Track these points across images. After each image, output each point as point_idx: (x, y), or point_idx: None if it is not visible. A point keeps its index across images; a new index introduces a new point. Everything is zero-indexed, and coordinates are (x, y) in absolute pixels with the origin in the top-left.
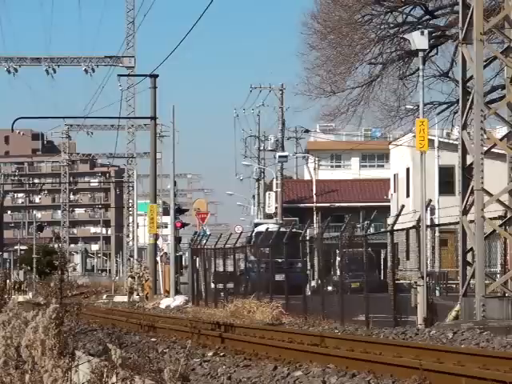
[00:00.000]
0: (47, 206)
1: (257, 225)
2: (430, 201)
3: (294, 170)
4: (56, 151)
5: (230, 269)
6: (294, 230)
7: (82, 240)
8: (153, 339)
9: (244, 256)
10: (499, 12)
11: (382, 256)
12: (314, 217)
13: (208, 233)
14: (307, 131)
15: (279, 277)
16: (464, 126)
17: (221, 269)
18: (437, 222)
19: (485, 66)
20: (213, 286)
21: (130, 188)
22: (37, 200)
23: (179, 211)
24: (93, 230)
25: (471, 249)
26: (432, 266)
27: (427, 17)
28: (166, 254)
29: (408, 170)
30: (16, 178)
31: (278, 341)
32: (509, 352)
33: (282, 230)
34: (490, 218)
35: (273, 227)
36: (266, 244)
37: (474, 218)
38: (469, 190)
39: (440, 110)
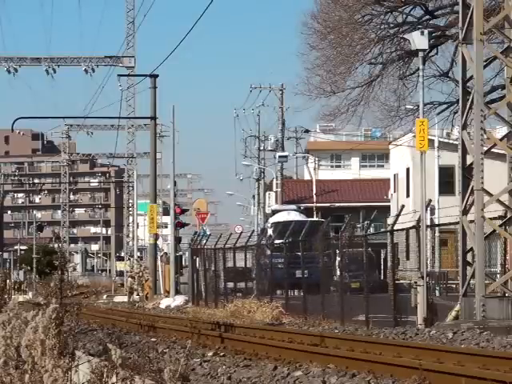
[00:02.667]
0: (47, 206)
1: (274, 212)
2: (430, 201)
3: (294, 169)
4: (56, 151)
5: (240, 266)
6: (317, 219)
7: (81, 240)
8: (153, 339)
9: (259, 250)
10: (499, 12)
11: (382, 256)
12: (314, 217)
13: (208, 233)
14: (307, 131)
15: (300, 273)
16: (464, 126)
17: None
18: (437, 222)
19: (485, 66)
20: (224, 284)
21: (130, 188)
22: (37, 200)
23: (179, 211)
24: (93, 229)
25: (471, 249)
26: (432, 266)
27: (427, 17)
28: (166, 253)
29: (408, 170)
30: (16, 178)
31: (277, 341)
32: (509, 352)
33: (302, 218)
34: (490, 218)
35: (293, 215)
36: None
37: (474, 217)
38: (469, 190)
39: (440, 110)
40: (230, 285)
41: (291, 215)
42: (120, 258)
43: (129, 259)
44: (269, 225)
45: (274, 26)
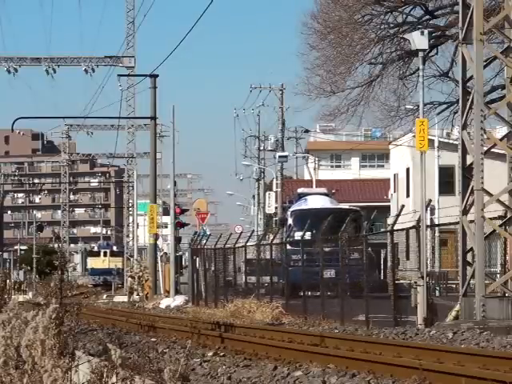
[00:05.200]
0: (47, 206)
1: (301, 196)
2: (430, 201)
3: (294, 170)
4: (56, 151)
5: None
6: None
7: (81, 240)
8: (153, 339)
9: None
10: (499, 12)
11: (382, 256)
12: None
13: (208, 233)
14: (307, 131)
15: (329, 273)
16: (464, 126)
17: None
18: (437, 222)
19: (485, 66)
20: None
21: (130, 188)
22: (37, 200)
23: (179, 211)
24: (93, 230)
25: (471, 249)
26: (432, 266)
27: (427, 17)
28: (165, 253)
29: (408, 170)
30: (16, 178)
31: (277, 341)
32: (509, 352)
33: (331, 206)
34: (490, 218)
35: (321, 201)
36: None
37: (474, 217)
38: (469, 190)
39: (440, 109)
40: (252, 279)
41: (334, 202)
42: (93, 254)
43: (128, 259)
44: (288, 213)
45: (274, 26)
